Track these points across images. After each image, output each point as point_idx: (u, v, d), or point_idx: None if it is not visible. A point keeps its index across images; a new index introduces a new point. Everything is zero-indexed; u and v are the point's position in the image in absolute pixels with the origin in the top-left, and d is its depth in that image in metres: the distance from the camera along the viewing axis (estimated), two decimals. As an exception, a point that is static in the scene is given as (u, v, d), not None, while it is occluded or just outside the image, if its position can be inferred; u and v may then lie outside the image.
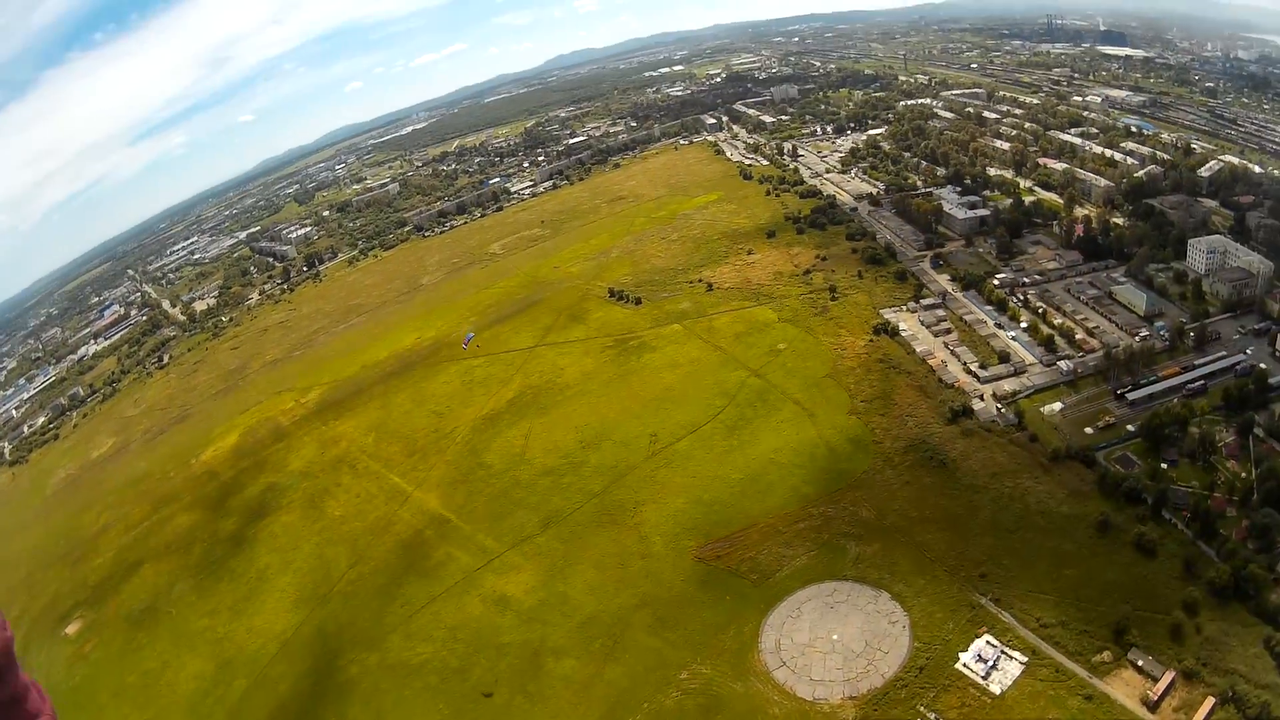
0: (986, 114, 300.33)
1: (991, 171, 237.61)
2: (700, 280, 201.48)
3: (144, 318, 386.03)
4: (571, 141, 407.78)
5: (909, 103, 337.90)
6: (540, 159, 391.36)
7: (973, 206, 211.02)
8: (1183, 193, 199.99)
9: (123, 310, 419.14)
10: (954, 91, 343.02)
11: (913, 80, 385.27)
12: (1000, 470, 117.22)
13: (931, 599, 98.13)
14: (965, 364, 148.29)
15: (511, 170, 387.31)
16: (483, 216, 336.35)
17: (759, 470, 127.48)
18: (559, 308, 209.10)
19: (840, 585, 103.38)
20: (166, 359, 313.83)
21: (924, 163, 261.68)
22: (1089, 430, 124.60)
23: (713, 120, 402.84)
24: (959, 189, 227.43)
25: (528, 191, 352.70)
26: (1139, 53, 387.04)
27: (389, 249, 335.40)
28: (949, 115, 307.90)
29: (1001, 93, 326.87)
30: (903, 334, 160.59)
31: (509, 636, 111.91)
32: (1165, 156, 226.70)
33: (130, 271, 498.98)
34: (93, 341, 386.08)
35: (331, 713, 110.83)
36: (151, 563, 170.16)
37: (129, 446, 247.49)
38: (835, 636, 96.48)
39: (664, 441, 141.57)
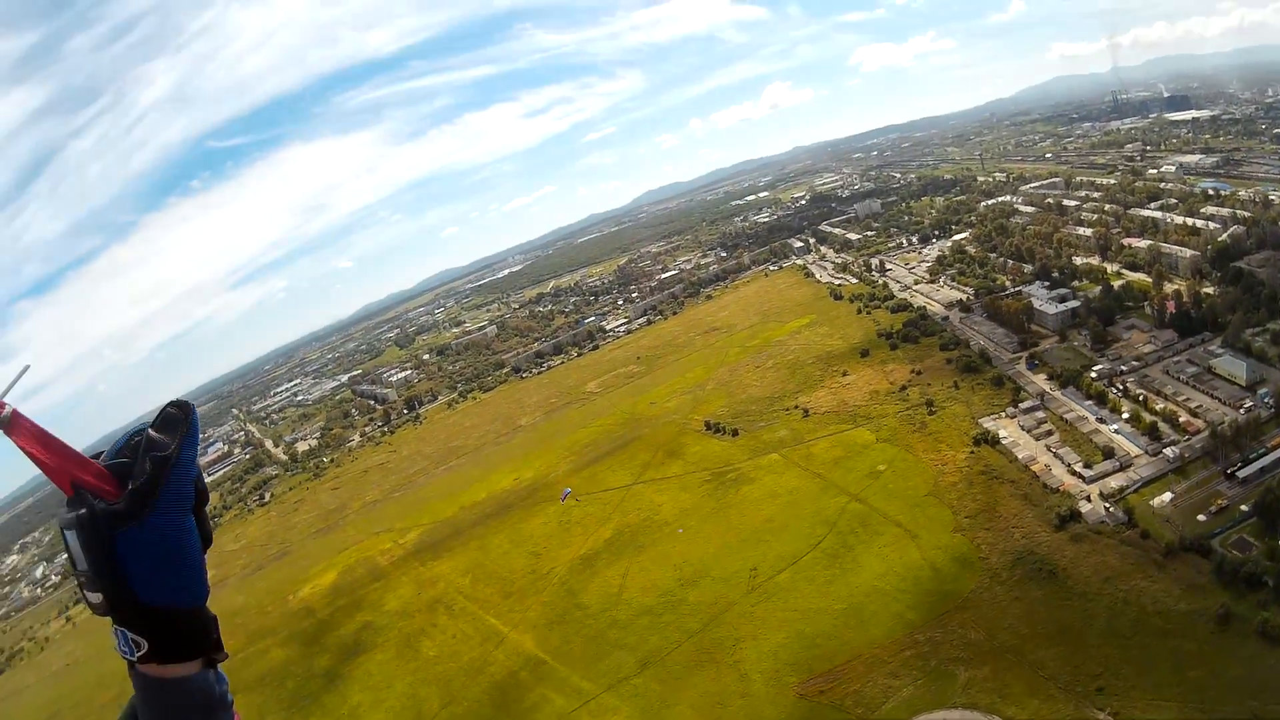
0: (1066, 202, 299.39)
1: (1077, 260, 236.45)
2: (796, 407, 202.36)
3: (247, 456, 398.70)
4: (663, 276, 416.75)
5: (989, 202, 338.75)
6: (634, 295, 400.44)
7: (1062, 300, 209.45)
8: (1268, 249, 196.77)
9: (226, 448, 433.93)
10: (1032, 184, 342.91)
11: (991, 179, 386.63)
12: (1113, 573, 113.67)
13: None
14: (1069, 465, 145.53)
15: (606, 308, 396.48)
16: (579, 356, 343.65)
17: (862, 599, 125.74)
18: (656, 444, 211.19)
19: (950, 714, 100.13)
20: (268, 497, 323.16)
21: (1010, 261, 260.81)
22: (1201, 517, 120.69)
23: (800, 243, 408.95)
24: (1047, 283, 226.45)
25: (622, 329, 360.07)
26: (1204, 113, 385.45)
27: (487, 391, 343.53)
28: (1029, 209, 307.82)
29: (1078, 178, 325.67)
30: (1003, 441, 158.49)
31: None
32: (1245, 214, 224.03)
33: (235, 411, 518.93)
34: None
35: None
36: (244, 694, 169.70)
37: (227, 581, 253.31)
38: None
39: (764, 575, 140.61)
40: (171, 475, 6.17)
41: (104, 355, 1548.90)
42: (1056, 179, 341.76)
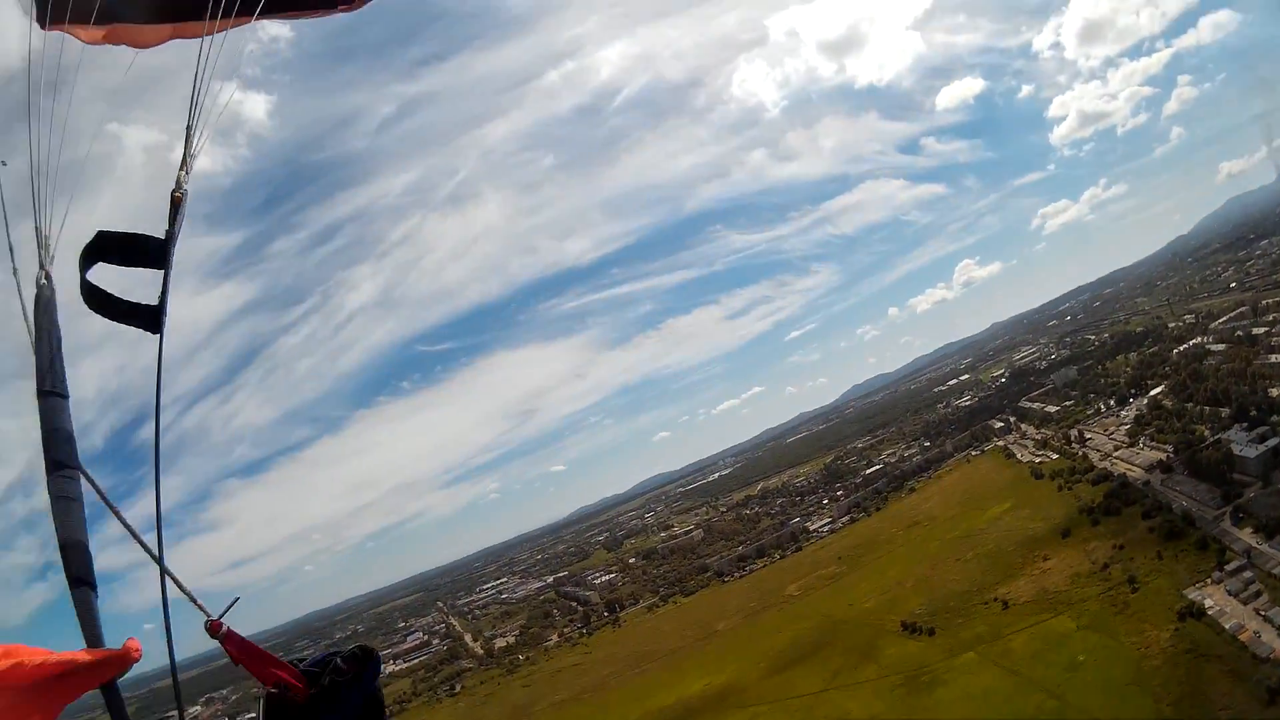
0: (1255, 330, 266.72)
1: (1274, 392, 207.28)
2: (995, 599, 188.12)
3: (445, 647, 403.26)
4: (868, 472, 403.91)
5: (1181, 349, 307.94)
6: (839, 494, 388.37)
7: (1262, 439, 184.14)
8: None
9: (425, 637, 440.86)
10: (1220, 319, 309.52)
11: (1180, 323, 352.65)
12: None
13: None
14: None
15: (811, 508, 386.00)
16: (781, 558, 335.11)
17: None
18: (850, 646, 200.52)
19: None
20: (459, 688, 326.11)
21: (1206, 408, 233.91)
22: None
23: (1000, 424, 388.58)
24: (1245, 424, 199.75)
25: (826, 528, 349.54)
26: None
27: (689, 595, 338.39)
28: (1220, 347, 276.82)
29: (1265, 302, 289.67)
30: (1210, 612, 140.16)
31: None
32: None
33: (439, 603, 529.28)
34: (393, 662, 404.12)
35: None
36: None
37: None
38: None
39: None
40: (344, 692, 8.39)
41: (313, 539, 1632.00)
42: (1243, 307, 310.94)
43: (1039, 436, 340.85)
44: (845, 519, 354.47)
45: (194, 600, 7.95)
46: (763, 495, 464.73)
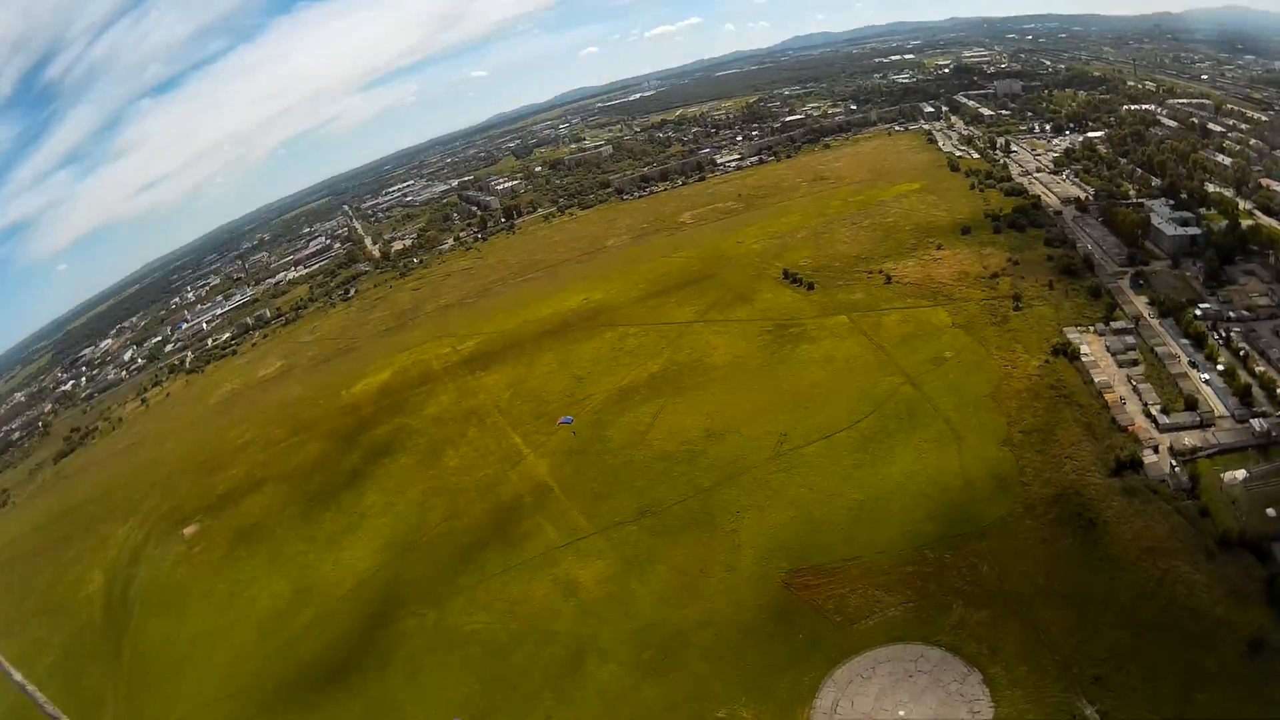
0: (1211, 126, 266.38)
1: (1210, 188, 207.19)
2: (880, 271, 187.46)
3: (343, 251, 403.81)
4: (788, 119, 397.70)
5: (1132, 107, 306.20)
6: (754, 134, 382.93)
7: (1184, 223, 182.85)
8: None
9: (327, 242, 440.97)
10: (1180, 100, 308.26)
11: (1139, 86, 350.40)
12: (1155, 546, 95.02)
13: (1028, 694, 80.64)
14: (1145, 404, 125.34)
15: (724, 143, 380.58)
16: (683, 185, 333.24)
17: (883, 494, 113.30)
18: (729, 285, 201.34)
19: (929, 652, 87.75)
20: (352, 293, 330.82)
21: (1139, 170, 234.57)
22: (1271, 512, 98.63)
23: (931, 109, 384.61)
24: (1172, 203, 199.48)
25: (733, 164, 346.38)
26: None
27: (586, 209, 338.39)
28: (1172, 124, 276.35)
29: (1229, 106, 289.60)
30: (1084, 358, 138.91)
31: (563, 625, 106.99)
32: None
33: (345, 207, 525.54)
34: (293, 269, 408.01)
35: (374, 660, 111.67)
36: (274, 483, 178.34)
37: (292, 371, 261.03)
38: (902, 713, 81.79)
39: (792, 443, 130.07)
40: None
41: (225, 150, 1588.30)
42: (1206, 101, 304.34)
43: (965, 133, 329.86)
44: (754, 159, 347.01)
45: None
46: (679, 121, 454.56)
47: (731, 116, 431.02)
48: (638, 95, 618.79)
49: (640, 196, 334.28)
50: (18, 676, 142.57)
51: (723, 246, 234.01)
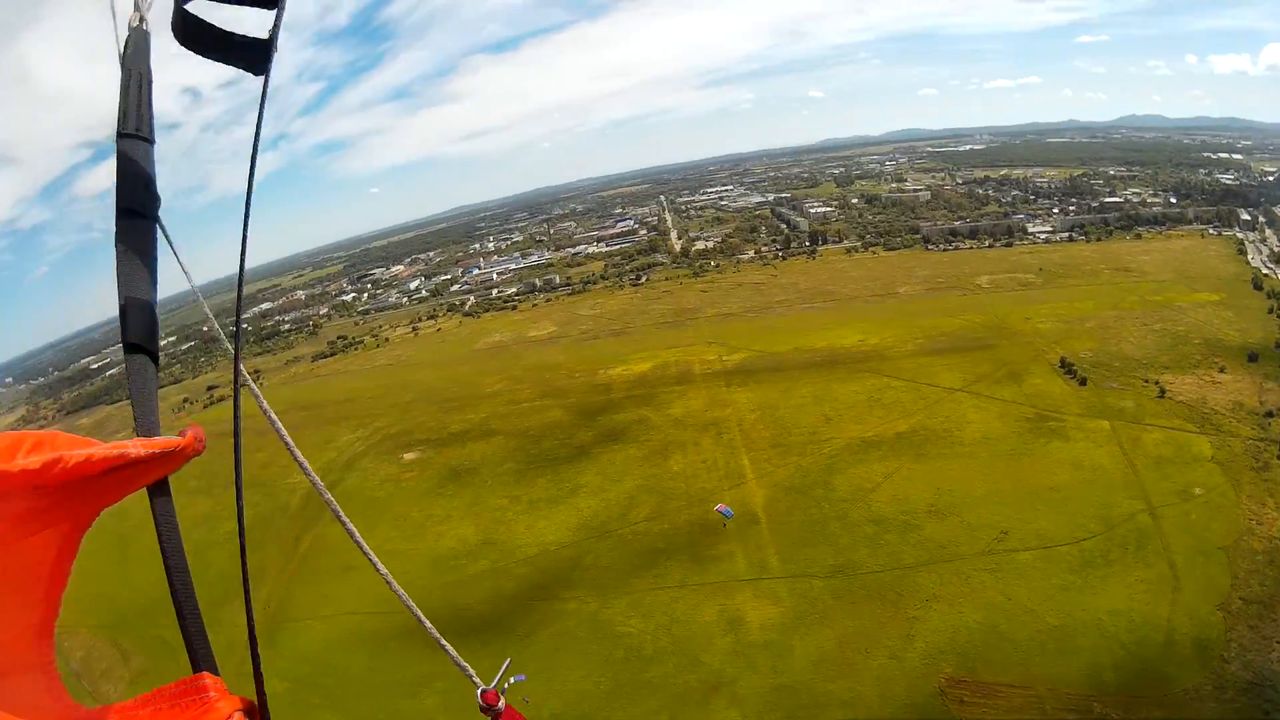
0: None
1: None
2: (1156, 382, 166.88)
3: (647, 239, 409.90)
4: (1107, 199, 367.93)
5: None
6: (1071, 208, 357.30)
7: None
8: None
9: (634, 226, 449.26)
10: None
11: None
12: None
13: None
14: None
15: (1039, 212, 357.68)
16: (989, 247, 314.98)
17: (1080, 627, 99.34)
18: (1003, 360, 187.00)
19: None
20: (643, 280, 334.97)
21: None
22: None
23: (1248, 217, 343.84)
24: None
25: (1043, 236, 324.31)
26: None
27: (890, 250, 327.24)
28: None
29: None
30: None
31: (710, 658, 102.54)
32: None
33: (662, 198, 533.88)
34: (595, 244, 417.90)
35: (522, 628, 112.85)
36: (504, 437, 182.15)
37: (561, 340, 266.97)
38: None
39: (1009, 544, 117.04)
40: None
41: (554, 118, 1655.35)
42: None
43: (1279, 250, 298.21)
44: (1065, 235, 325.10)
45: (461, 666, 7.94)
46: (1001, 181, 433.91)
47: (1053, 186, 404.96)
48: (967, 146, 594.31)
49: (945, 249, 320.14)
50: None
51: (1010, 319, 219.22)
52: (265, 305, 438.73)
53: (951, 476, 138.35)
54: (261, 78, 6.93)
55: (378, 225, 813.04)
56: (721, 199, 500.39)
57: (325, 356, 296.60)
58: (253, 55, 7.09)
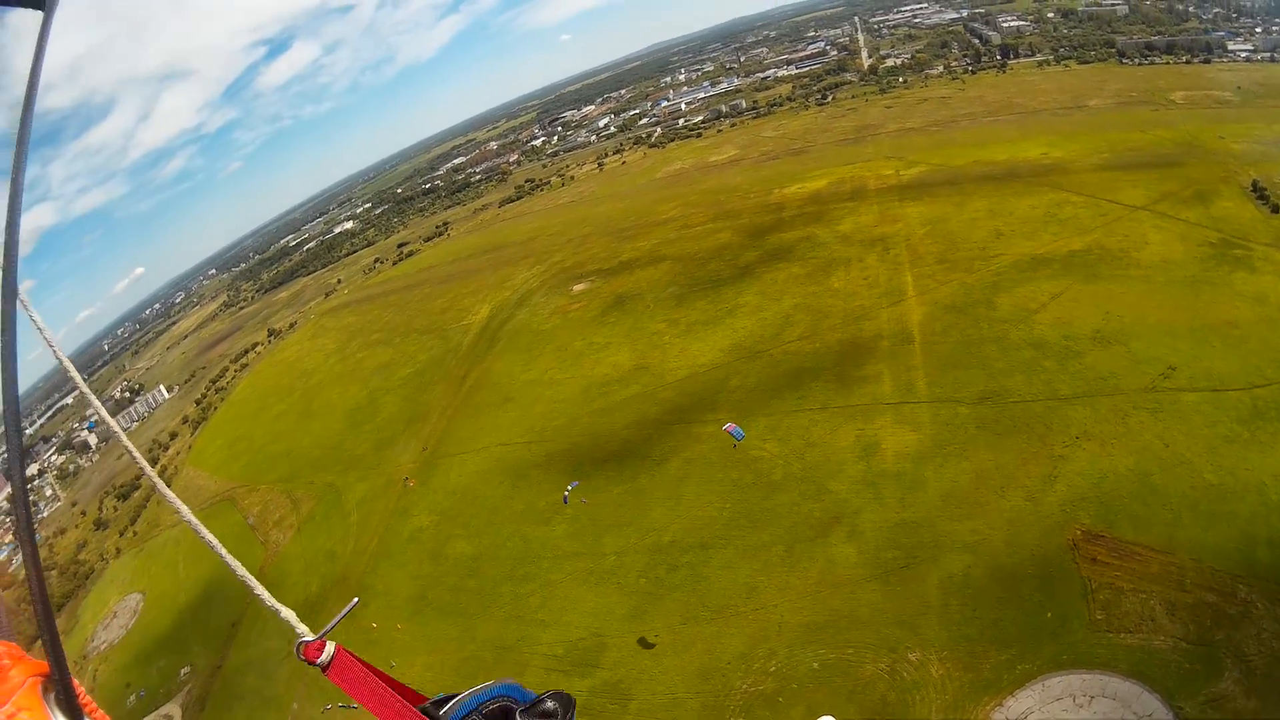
0: None
1: None
2: None
3: (836, 59, 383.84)
4: None
5: None
6: (1276, 28, 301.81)
7: None
8: None
9: (825, 47, 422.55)
10: None
11: None
12: None
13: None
14: None
15: (1241, 29, 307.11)
16: (1186, 63, 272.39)
17: (1239, 488, 77.92)
18: (1192, 179, 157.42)
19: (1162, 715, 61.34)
20: (829, 99, 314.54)
21: None
22: None
23: None
24: None
25: (1243, 54, 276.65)
26: None
27: (1084, 64, 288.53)
28: None
29: None
30: None
31: (838, 486, 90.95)
32: None
33: (856, 18, 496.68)
34: (784, 68, 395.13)
35: (658, 453, 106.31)
36: (671, 262, 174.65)
37: (741, 162, 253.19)
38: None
39: (1176, 381, 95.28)
40: None
41: None
42: None
43: None
44: (1267, 55, 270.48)
45: (282, 614, 5.33)
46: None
47: (1257, 4, 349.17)
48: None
49: (1140, 64, 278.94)
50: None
51: (1203, 137, 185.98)
52: (458, 160, 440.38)
53: (1122, 301, 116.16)
54: (41, 13, 5.28)
55: (572, 71, 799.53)
56: (915, 16, 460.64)
57: (511, 201, 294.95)
58: None
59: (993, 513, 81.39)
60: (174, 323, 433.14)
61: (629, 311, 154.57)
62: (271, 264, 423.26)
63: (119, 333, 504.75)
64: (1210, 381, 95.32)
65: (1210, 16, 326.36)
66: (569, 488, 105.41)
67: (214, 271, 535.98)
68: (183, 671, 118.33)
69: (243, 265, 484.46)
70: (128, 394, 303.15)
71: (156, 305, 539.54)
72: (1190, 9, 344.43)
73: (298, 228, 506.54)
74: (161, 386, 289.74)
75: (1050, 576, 73.01)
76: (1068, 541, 75.77)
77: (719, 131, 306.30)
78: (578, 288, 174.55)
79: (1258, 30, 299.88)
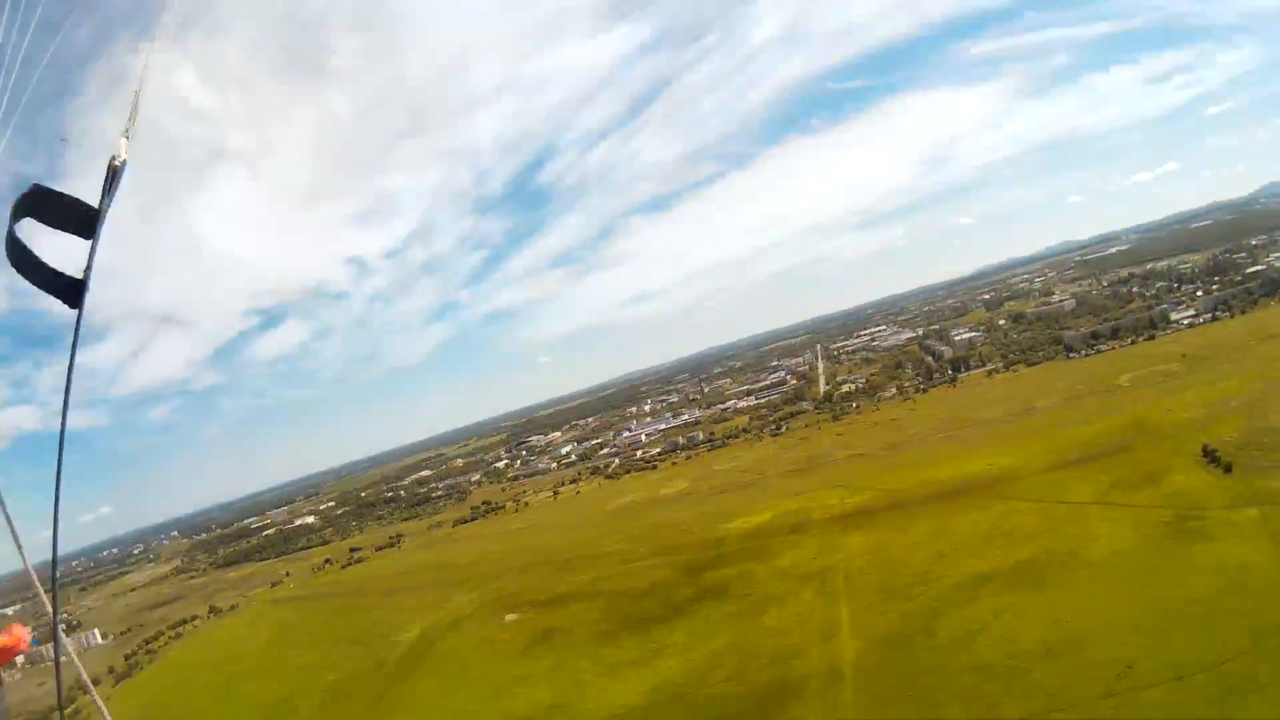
0: None
1: None
2: None
3: (793, 389, 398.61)
4: (1249, 270, 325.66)
5: None
6: (1214, 286, 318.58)
7: None
8: None
9: (784, 376, 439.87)
10: None
11: None
12: None
13: None
14: None
15: (1183, 298, 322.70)
16: (1131, 344, 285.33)
17: None
18: (1139, 462, 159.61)
19: None
20: (783, 429, 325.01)
21: None
22: None
23: None
24: None
25: (1186, 321, 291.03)
26: None
27: (1032, 365, 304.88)
28: None
29: None
30: None
31: None
32: None
33: (817, 345, 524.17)
34: (745, 398, 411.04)
35: None
36: (606, 598, 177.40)
37: (690, 496, 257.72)
38: None
39: (1135, 679, 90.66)
40: None
41: (715, 275, 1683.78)
42: None
43: None
44: (1208, 315, 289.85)
45: None
46: (1145, 276, 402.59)
47: (1195, 270, 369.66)
48: (1114, 249, 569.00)
49: (1087, 355, 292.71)
50: None
51: (1151, 415, 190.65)
52: (424, 472, 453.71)
53: (1071, 606, 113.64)
54: (75, 311, 7.88)
55: (548, 395, 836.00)
56: (873, 340, 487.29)
57: (465, 521, 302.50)
58: (69, 287, 7.93)
59: None
60: (126, 572, 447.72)
61: (556, 646, 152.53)
62: (230, 541, 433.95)
63: (74, 564, 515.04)
64: (1174, 669, 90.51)
65: (1153, 293, 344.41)
66: None
67: (175, 534, 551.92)
68: None
69: (204, 535, 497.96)
70: (63, 628, 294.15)
71: (115, 550, 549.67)
72: (1134, 289, 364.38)
73: (263, 511, 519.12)
74: (97, 631, 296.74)
75: None
76: None
77: (673, 464, 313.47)
78: (510, 617, 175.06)
79: (1198, 294, 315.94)
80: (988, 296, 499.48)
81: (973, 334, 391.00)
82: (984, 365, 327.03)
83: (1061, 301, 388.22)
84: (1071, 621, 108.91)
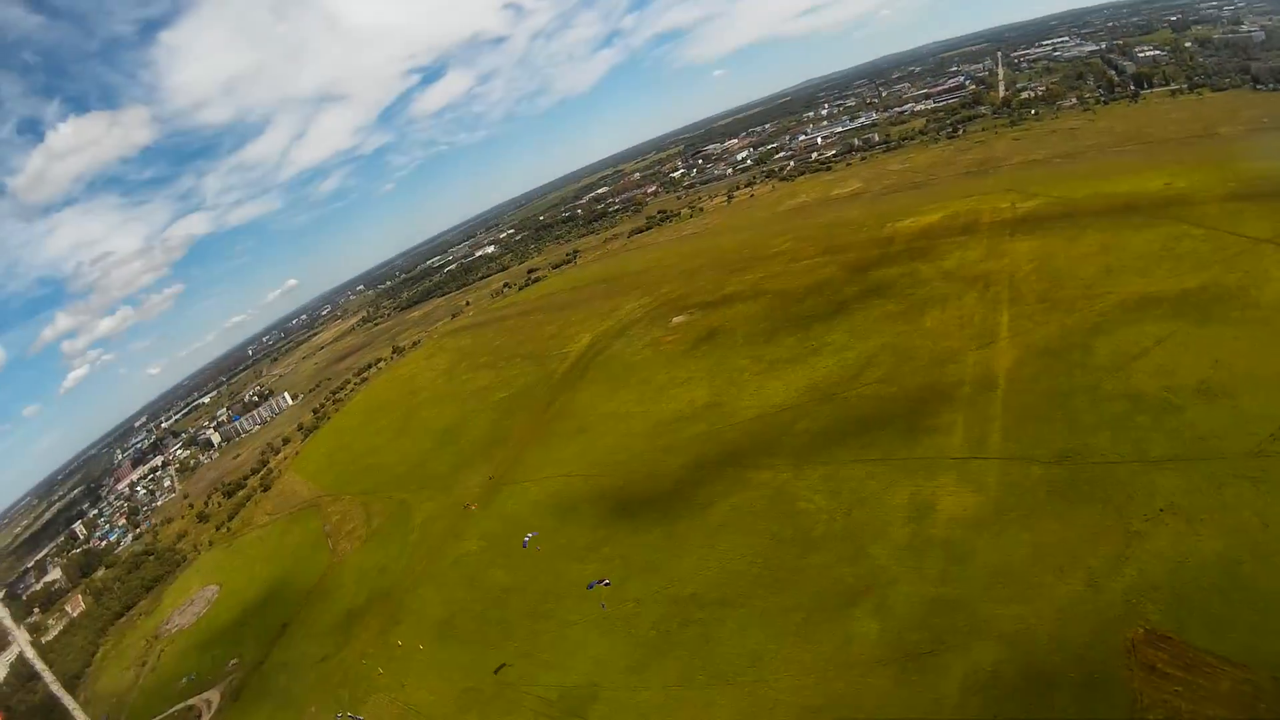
0: None
1: None
2: None
3: (971, 92, 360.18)
4: None
5: None
6: None
7: None
8: None
9: (964, 81, 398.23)
10: None
11: None
12: None
13: None
14: None
15: None
16: None
17: None
18: None
19: None
20: (959, 132, 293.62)
21: None
22: None
23: None
24: None
25: None
26: None
27: (1217, 91, 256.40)
28: None
29: None
30: None
31: (879, 552, 76.64)
32: None
33: (998, 54, 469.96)
34: (921, 102, 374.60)
35: (703, 498, 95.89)
36: (770, 297, 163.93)
37: (862, 196, 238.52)
38: None
39: None
40: None
41: None
42: None
43: None
44: None
45: None
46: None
47: None
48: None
49: (1274, 89, 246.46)
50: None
51: None
52: (601, 189, 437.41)
53: (1233, 348, 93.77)
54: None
55: (725, 106, 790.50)
56: (1055, 50, 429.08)
57: (641, 231, 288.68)
58: None
59: (1044, 597, 64.73)
60: (315, 334, 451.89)
61: (718, 346, 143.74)
62: (414, 284, 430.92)
63: (265, 339, 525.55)
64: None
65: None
66: (528, 537, 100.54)
67: (361, 287, 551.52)
68: (231, 662, 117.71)
69: (388, 283, 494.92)
70: (256, 398, 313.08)
71: (304, 316, 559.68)
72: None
73: (445, 250, 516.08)
74: (286, 394, 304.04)
75: (1094, 684, 56.46)
76: (1125, 642, 58.43)
77: (848, 165, 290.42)
78: (676, 320, 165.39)
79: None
80: (1175, 19, 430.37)
81: (1157, 53, 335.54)
82: (1167, 84, 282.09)
83: (1250, 32, 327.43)
84: (1232, 364, 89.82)
